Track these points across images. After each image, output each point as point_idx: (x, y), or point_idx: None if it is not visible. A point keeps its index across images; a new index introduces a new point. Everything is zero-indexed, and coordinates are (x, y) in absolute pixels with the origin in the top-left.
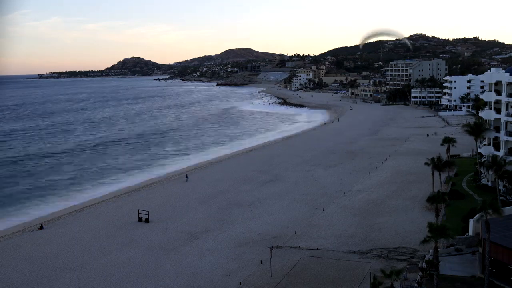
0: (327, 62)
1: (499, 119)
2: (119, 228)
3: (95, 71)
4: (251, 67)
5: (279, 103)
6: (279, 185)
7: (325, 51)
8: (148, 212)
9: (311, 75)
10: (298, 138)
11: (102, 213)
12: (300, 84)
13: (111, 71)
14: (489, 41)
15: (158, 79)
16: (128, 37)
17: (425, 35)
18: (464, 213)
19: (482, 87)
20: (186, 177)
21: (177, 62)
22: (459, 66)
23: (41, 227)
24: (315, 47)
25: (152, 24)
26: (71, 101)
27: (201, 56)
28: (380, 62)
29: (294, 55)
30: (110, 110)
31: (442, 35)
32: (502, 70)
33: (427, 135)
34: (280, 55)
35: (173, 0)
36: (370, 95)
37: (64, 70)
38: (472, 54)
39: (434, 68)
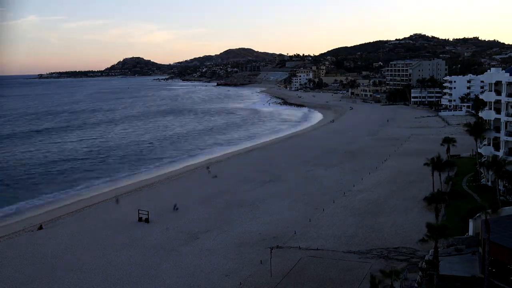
0: (327, 62)
1: (499, 119)
2: (119, 228)
3: (95, 71)
4: (251, 67)
5: (279, 103)
6: (279, 185)
7: (325, 51)
8: (148, 212)
9: (311, 75)
10: (298, 138)
11: (102, 213)
12: (300, 84)
13: (111, 71)
14: (489, 41)
15: (158, 79)
16: (126, 37)
17: (425, 35)
18: (464, 213)
19: (482, 87)
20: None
21: (177, 62)
22: (459, 66)
23: (41, 227)
24: (315, 47)
25: (150, 24)
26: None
27: (201, 56)
28: (380, 62)
29: (294, 55)
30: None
31: (442, 35)
32: (502, 70)
33: None
34: (280, 55)
35: (174, 0)
36: (370, 95)
37: (64, 70)
38: (472, 54)
39: (434, 68)
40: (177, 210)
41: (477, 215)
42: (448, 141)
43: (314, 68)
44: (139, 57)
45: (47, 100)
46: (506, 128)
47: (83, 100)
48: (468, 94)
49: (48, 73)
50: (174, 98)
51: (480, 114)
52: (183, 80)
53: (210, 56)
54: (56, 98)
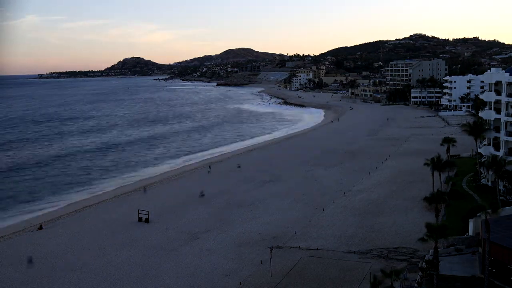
0: (327, 62)
1: (499, 119)
2: (119, 228)
3: (95, 71)
4: (251, 67)
5: (279, 103)
6: (279, 185)
7: (325, 51)
8: (148, 212)
9: (311, 75)
10: (298, 138)
11: (102, 213)
12: (300, 84)
13: (111, 71)
14: (489, 41)
15: (158, 79)
16: (126, 37)
17: (425, 35)
18: (464, 213)
19: (482, 87)
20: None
21: (177, 62)
22: (459, 66)
23: (41, 227)
24: (315, 47)
25: (150, 24)
26: None
27: (201, 56)
28: (380, 62)
29: (294, 55)
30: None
31: (442, 35)
32: (502, 70)
33: None
34: (280, 55)
35: (174, 0)
36: (370, 95)
37: (64, 70)
38: (472, 54)
39: (434, 68)
40: (204, 197)
41: (477, 215)
42: (448, 141)
43: (314, 68)
44: (139, 57)
45: (39, 102)
46: (506, 128)
47: (72, 103)
48: (468, 94)
49: (48, 73)
50: (179, 102)
51: (480, 114)
52: (183, 80)
53: (210, 56)
54: (48, 100)
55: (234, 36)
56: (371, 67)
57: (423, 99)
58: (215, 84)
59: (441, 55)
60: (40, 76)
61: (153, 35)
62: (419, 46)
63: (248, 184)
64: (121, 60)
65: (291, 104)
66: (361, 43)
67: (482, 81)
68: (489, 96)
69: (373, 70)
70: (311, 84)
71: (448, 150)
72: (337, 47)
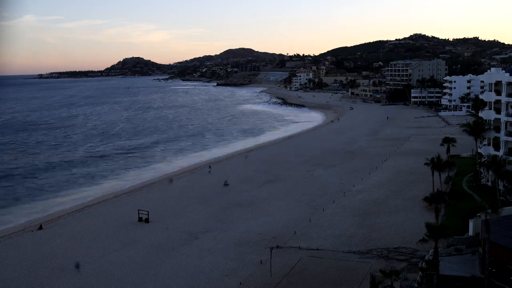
0: (327, 62)
1: (499, 119)
2: (119, 228)
3: (95, 71)
4: (251, 67)
5: (279, 103)
6: (279, 185)
7: (325, 51)
8: (148, 212)
9: (311, 75)
10: (298, 138)
11: (102, 213)
12: (300, 84)
13: (111, 71)
14: (489, 41)
15: (158, 79)
16: (126, 37)
17: (425, 35)
18: (464, 213)
19: (482, 87)
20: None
21: (177, 62)
22: (459, 66)
23: (41, 227)
24: (315, 47)
25: (150, 24)
26: None
27: (201, 56)
28: (380, 62)
29: (294, 55)
30: None
31: (442, 35)
32: (502, 70)
33: None
34: (280, 55)
35: (174, 0)
36: (370, 95)
37: (64, 70)
38: (472, 54)
39: (434, 68)
40: (228, 186)
41: (477, 215)
42: (448, 141)
43: (314, 68)
44: (139, 57)
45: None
46: (506, 128)
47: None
48: (468, 94)
49: (48, 73)
50: (181, 104)
51: (480, 114)
52: (183, 80)
53: (210, 56)
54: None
55: (234, 36)
56: (371, 67)
57: (423, 99)
58: (215, 84)
59: (441, 55)
60: (40, 76)
61: (152, 35)
62: (419, 46)
63: (248, 184)
64: (121, 60)
65: (291, 104)
66: (361, 43)
67: (482, 81)
68: (489, 96)
69: (373, 70)
70: (311, 84)
71: (448, 150)
72: (337, 47)
